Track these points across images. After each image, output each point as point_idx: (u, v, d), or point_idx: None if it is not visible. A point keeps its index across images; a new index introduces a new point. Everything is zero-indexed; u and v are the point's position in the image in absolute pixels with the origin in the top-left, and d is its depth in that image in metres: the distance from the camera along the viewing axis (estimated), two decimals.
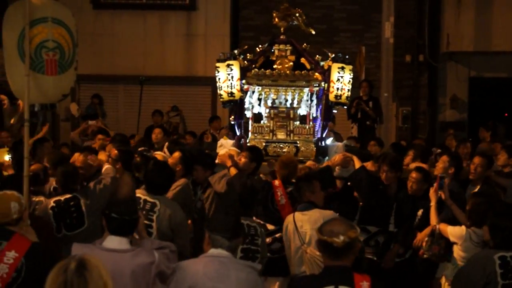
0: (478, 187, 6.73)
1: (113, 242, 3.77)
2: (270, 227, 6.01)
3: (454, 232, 5.58)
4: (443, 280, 5.72)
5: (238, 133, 7.91)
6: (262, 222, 5.74)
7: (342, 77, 7.71)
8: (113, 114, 14.90)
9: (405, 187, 6.47)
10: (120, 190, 4.05)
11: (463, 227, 5.53)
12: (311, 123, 7.90)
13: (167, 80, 14.79)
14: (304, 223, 5.33)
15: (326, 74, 7.74)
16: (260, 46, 8.13)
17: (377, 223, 6.27)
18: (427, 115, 15.03)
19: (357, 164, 6.67)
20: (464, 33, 14.36)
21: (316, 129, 7.90)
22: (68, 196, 5.80)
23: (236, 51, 7.86)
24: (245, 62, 7.82)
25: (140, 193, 5.36)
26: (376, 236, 6.23)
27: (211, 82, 15.39)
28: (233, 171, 6.55)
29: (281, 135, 7.78)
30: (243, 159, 6.75)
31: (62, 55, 5.56)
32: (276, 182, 6.25)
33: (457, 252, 5.52)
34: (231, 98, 7.71)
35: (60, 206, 5.73)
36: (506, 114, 18.32)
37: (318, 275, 3.72)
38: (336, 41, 15.48)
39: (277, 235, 5.89)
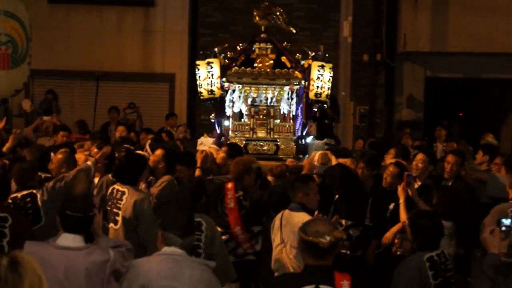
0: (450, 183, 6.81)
1: (67, 239, 3.69)
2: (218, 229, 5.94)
3: None
4: None
5: (218, 131, 7.92)
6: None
7: (322, 75, 7.77)
8: (68, 110, 14.64)
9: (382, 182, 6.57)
10: (74, 187, 3.97)
11: None
12: (291, 121, 7.90)
13: (124, 76, 14.63)
14: (287, 223, 5.32)
15: (306, 73, 7.79)
16: (240, 44, 8.15)
17: (351, 217, 6.26)
18: (384, 114, 15.16)
19: (334, 161, 6.69)
20: (421, 34, 14.54)
21: (296, 127, 7.91)
22: (25, 192, 5.68)
23: (216, 49, 7.86)
24: (226, 60, 7.83)
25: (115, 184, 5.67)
26: (348, 229, 6.23)
27: (169, 78, 15.48)
28: (197, 172, 6.52)
29: (261, 133, 7.80)
30: (221, 154, 6.76)
31: (15, 49, 5.46)
32: (229, 185, 6.09)
33: None
34: (211, 96, 7.74)
35: (16, 203, 5.61)
36: (461, 114, 18.68)
37: (298, 273, 3.72)
38: (294, 40, 15.45)
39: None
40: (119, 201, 5.55)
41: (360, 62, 14.74)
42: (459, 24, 14.28)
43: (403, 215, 5.91)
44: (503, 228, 3.78)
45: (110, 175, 6.48)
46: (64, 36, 14.78)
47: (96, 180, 6.64)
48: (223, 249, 5.38)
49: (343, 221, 6.18)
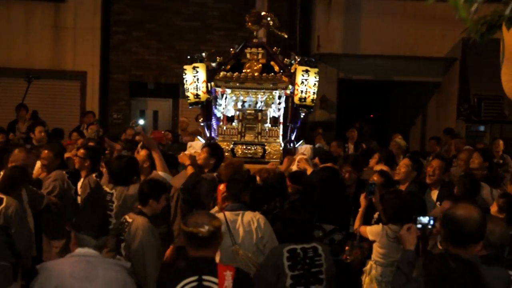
0: (437, 191, 6.70)
1: None
2: None
3: (371, 230, 5.69)
4: (364, 276, 5.79)
5: (207, 135, 7.98)
6: None
7: (306, 80, 7.75)
8: None
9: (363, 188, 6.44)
10: None
11: (380, 224, 5.64)
12: (281, 125, 7.94)
13: (33, 74, 14.14)
14: (237, 224, 5.27)
15: (293, 77, 7.78)
16: (232, 49, 8.20)
17: (333, 221, 6.21)
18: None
19: (309, 170, 6.83)
20: (334, 36, 14.79)
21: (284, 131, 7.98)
22: None
23: (203, 54, 7.92)
24: (212, 64, 7.92)
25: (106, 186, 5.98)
26: (331, 235, 6.18)
27: (80, 76, 15.11)
28: (190, 170, 6.58)
29: (249, 137, 7.82)
30: (202, 155, 6.81)
31: None
32: (221, 186, 6.04)
33: (376, 249, 5.64)
34: (197, 99, 7.81)
35: None
36: (372, 115, 19.15)
37: (182, 266, 3.75)
38: (209, 39, 15.47)
39: None
40: (109, 203, 5.81)
41: None
42: (371, 28, 14.62)
43: (357, 223, 5.98)
44: (419, 226, 3.87)
45: (94, 175, 6.79)
46: None
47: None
48: None
49: (326, 226, 6.15)
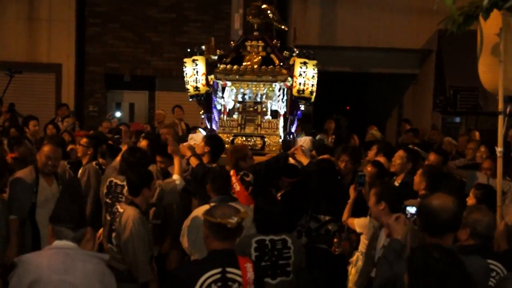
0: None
1: None
2: None
3: (359, 223, 5.73)
4: (350, 266, 5.83)
5: (208, 126, 8.06)
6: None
7: (304, 72, 7.75)
8: None
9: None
10: None
11: (368, 217, 5.64)
12: (281, 118, 7.98)
13: (10, 66, 13.94)
14: None
15: (291, 69, 7.80)
16: (232, 42, 8.36)
17: (329, 212, 6.24)
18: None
19: (305, 161, 6.83)
20: (311, 28, 14.80)
21: (282, 124, 7.99)
22: None
23: (203, 47, 8.00)
24: (212, 57, 7.99)
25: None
26: (327, 225, 6.21)
27: (55, 69, 14.95)
28: (193, 161, 6.54)
29: (249, 129, 7.85)
30: (201, 144, 6.92)
31: None
32: (231, 172, 6.20)
33: (362, 240, 5.68)
34: (197, 92, 7.92)
35: None
36: (348, 107, 19.23)
37: (204, 259, 3.75)
38: (186, 31, 15.41)
39: None
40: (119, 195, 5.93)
41: None
42: (348, 19, 14.65)
43: (345, 215, 6.00)
44: (408, 216, 3.91)
45: (94, 163, 7.11)
46: None
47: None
48: None
49: (322, 217, 6.18)
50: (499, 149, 5.16)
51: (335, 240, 5.98)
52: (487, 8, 4.36)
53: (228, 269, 3.55)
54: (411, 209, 3.95)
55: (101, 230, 6.23)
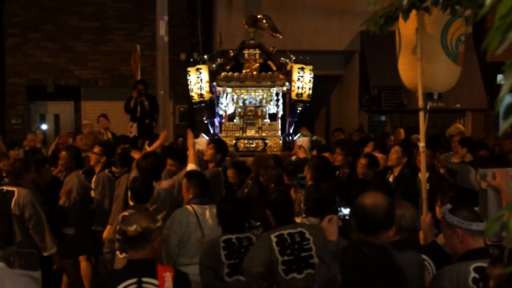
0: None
1: None
2: None
3: None
4: None
5: (211, 131, 8.49)
6: None
7: (302, 76, 8.41)
8: None
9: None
10: None
11: (300, 217, 5.61)
12: (279, 120, 8.53)
13: None
14: (206, 216, 5.48)
15: (289, 75, 8.38)
16: (230, 51, 8.92)
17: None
18: (203, 112, 15.27)
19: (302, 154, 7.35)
20: (236, 32, 14.77)
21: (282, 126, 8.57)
22: None
23: (206, 56, 8.71)
24: (213, 65, 8.50)
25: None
26: None
27: None
28: (191, 166, 6.60)
29: (250, 132, 8.40)
30: (209, 151, 7.12)
31: None
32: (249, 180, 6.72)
33: None
34: (201, 99, 8.41)
35: None
36: None
37: (121, 269, 3.73)
38: (110, 39, 15.20)
39: None
40: None
41: (177, 61, 14.73)
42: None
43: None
44: (341, 217, 3.95)
45: (107, 171, 7.30)
46: None
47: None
48: None
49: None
50: (421, 144, 5.31)
51: None
52: (406, 10, 4.47)
53: (144, 279, 3.48)
54: (344, 210, 4.00)
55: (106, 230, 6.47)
